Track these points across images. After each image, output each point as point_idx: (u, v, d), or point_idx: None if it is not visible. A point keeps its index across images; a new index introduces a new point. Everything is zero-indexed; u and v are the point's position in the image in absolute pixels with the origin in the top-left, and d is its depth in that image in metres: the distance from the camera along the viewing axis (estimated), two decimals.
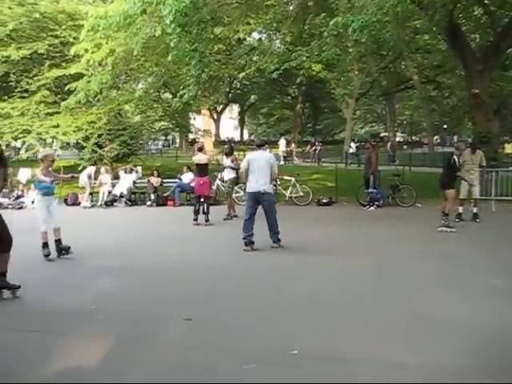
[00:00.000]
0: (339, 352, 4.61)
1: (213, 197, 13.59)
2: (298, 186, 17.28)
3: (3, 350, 4.83)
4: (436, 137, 52.97)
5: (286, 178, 17.81)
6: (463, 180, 12.34)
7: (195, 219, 12.96)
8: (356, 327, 5.26)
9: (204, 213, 13.01)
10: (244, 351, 4.66)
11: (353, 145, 36.57)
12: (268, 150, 9.77)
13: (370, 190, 15.82)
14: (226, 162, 14.45)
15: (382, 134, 60.16)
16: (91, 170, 19.01)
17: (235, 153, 15.88)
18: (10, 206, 17.75)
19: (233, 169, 14.19)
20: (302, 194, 17.10)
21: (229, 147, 15.02)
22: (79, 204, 18.47)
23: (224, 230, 12.34)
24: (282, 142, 37.19)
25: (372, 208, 15.55)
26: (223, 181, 13.63)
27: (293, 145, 38.70)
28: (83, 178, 18.78)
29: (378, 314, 5.68)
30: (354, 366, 4.30)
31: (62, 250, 9.15)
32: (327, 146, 45.47)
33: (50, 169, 9.22)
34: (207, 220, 12.91)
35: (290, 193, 17.15)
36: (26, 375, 4.20)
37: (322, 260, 8.52)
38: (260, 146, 9.94)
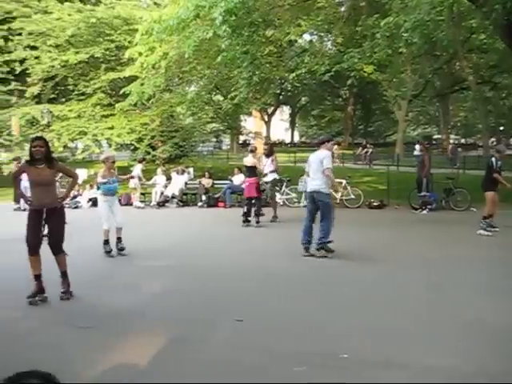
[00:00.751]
0: (389, 357, 4.53)
1: (263, 198, 13.55)
2: (349, 188, 17.11)
3: (60, 344, 4.96)
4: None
5: (337, 180, 17.62)
6: (502, 183, 11.64)
7: (245, 221, 13.00)
8: (406, 332, 5.16)
9: (255, 214, 13.03)
10: (295, 353, 4.63)
11: (417, 147, 35.75)
12: (335, 147, 9.38)
13: (423, 194, 15.50)
14: (266, 163, 14.00)
15: (434, 136, 58.96)
16: (139, 168, 19.14)
17: (285, 154, 15.79)
18: (66, 206, 18.24)
19: (272, 171, 13.94)
20: (353, 196, 16.93)
21: (268, 148, 14.47)
22: (131, 204, 18.84)
23: (274, 231, 12.34)
24: None
25: (424, 212, 15.24)
26: (265, 182, 13.51)
27: (335, 147, 38.27)
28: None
29: (429, 319, 5.55)
30: (404, 372, 4.22)
31: (121, 249, 9.52)
32: (378, 149, 44.86)
33: (111, 170, 9.65)
34: (258, 222, 12.93)
35: (341, 195, 16.99)
36: (80, 370, 4.29)
37: (371, 264, 8.39)
38: (320, 145, 9.40)
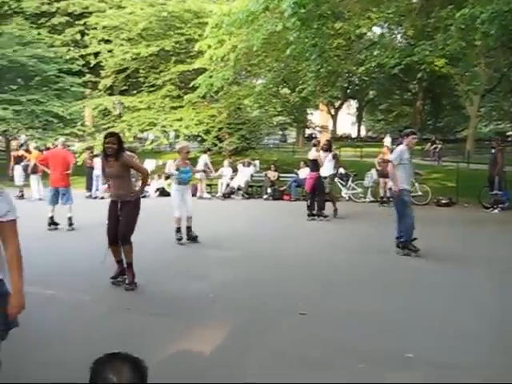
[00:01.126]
0: (454, 358, 4.39)
1: (327, 193, 13.39)
2: (416, 184, 16.70)
3: (129, 331, 5.09)
4: None
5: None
6: None
7: (309, 214, 12.95)
8: (472, 334, 4.99)
9: (318, 208, 12.94)
10: (360, 350, 4.57)
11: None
12: (406, 142, 8.78)
13: (495, 192, 14.93)
14: (324, 157, 13.59)
15: (508, 133, 56.70)
16: (205, 159, 19.22)
17: (351, 149, 15.54)
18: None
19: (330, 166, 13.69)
20: (420, 193, 16.50)
21: (327, 142, 14.23)
22: (197, 195, 19.08)
23: (337, 226, 12.22)
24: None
25: (496, 211, 14.68)
26: (324, 177, 13.23)
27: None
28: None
29: (498, 322, 5.35)
30: (467, 372, 4.08)
31: (191, 238, 9.84)
32: (448, 145, 43.56)
33: (186, 160, 9.89)
34: (320, 216, 12.82)
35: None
36: (147, 357, 4.39)
37: (440, 264, 8.15)
38: (402, 137, 9.09)
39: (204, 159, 19.07)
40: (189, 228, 9.83)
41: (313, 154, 13.00)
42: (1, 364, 3.06)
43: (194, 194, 18.93)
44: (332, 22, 16.00)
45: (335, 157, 14.20)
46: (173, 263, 8.09)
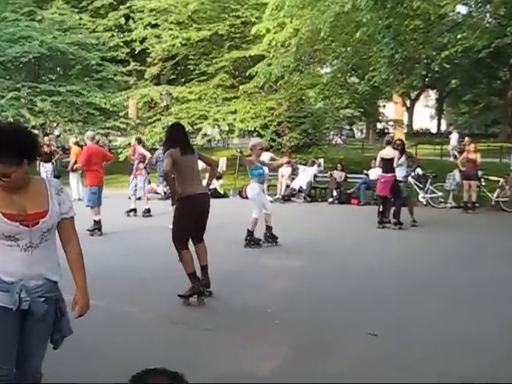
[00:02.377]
0: None
1: (403, 197, 13.20)
2: (507, 188, 16.29)
3: (180, 345, 5.25)
4: None
5: (492, 178, 16.88)
6: None
7: (380, 221, 12.84)
8: None
9: (394, 215, 12.80)
10: (439, 374, 4.54)
11: None
12: None
13: None
14: (398, 158, 13.07)
15: None
16: (268, 157, 19.27)
17: (429, 146, 15.21)
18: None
19: (408, 166, 13.47)
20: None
21: (400, 143, 13.71)
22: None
23: (413, 235, 12.10)
24: (454, 136, 34.03)
25: None
26: (398, 181, 12.93)
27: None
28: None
29: None
30: None
31: (270, 238, 10.44)
32: None
33: (260, 158, 10.50)
34: (397, 223, 12.69)
35: (497, 196, 16.23)
36: (196, 374, 4.52)
37: None
38: None
39: (266, 157, 19.14)
40: (269, 228, 10.49)
41: (387, 152, 12.84)
42: (42, 375, 3.26)
43: (247, 197, 19.17)
44: (409, 1, 15.84)
45: (410, 157, 13.87)
46: (231, 273, 8.21)
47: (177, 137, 7.03)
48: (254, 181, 10.40)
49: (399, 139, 14.97)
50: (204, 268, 7.03)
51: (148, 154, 15.37)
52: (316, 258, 9.47)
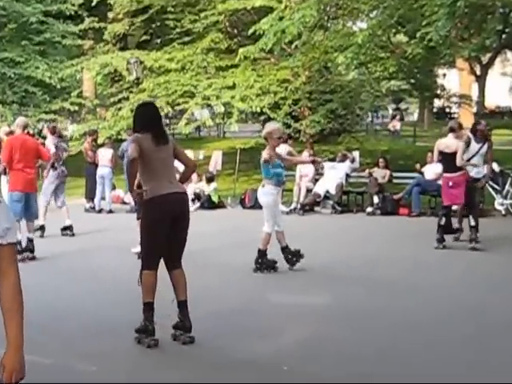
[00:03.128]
0: None
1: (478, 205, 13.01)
2: None
3: None
4: None
5: None
6: None
7: (440, 240, 12.82)
8: None
9: (471, 228, 12.63)
10: None
11: None
12: None
13: None
14: (475, 150, 12.93)
15: None
16: (285, 150, 19.08)
17: (508, 131, 14.99)
18: None
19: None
20: None
21: (484, 129, 13.41)
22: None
23: (488, 259, 12.04)
24: None
25: None
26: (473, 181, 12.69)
27: None
28: None
29: None
30: None
31: (294, 257, 10.60)
32: None
33: (277, 150, 10.70)
34: (473, 240, 12.59)
35: None
36: None
37: None
38: None
39: (283, 150, 18.97)
40: (286, 248, 10.64)
41: (451, 142, 12.65)
42: None
43: (255, 205, 18.98)
44: None
45: (490, 147, 13.47)
46: (228, 313, 8.17)
47: (148, 120, 7.16)
48: (270, 183, 10.49)
49: (478, 122, 14.16)
50: (182, 304, 7.03)
51: (52, 148, 14.95)
52: (352, 290, 9.45)
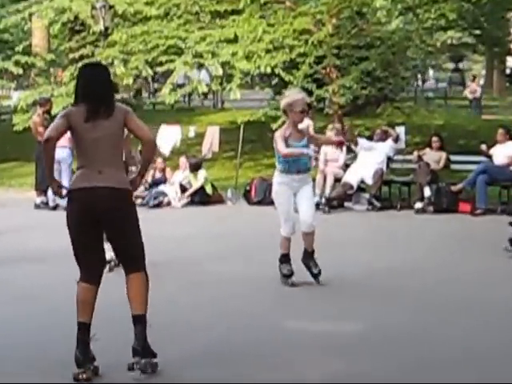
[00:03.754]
0: None
1: None
2: None
3: None
4: None
5: None
6: None
7: None
8: None
9: None
10: None
11: None
12: None
13: None
14: None
15: None
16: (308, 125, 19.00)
17: None
18: (140, 201, 18.43)
19: None
20: None
21: None
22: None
23: None
24: None
25: None
26: None
27: None
28: None
29: None
30: None
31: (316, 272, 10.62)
32: None
33: (300, 127, 10.62)
34: None
35: None
36: None
37: None
38: None
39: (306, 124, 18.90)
40: (309, 254, 10.69)
41: None
42: None
43: (260, 201, 18.95)
44: None
45: None
46: (222, 344, 8.15)
47: (83, 86, 7.12)
48: (279, 168, 10.51)
49: None
50: (137, 320, 7.06)
51: None
52: (394, 312, 9.42)
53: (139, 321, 6.99)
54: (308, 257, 10.59)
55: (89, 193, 6.87)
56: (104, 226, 7.02)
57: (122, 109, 7.22)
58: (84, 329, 6.88)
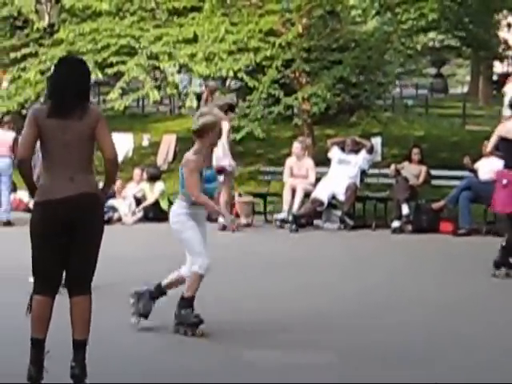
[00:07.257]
0: None
1: None
2: None
3: None
4: None
5: None
6: None
7: (498, 265, 13.04)
8: None
9: None
10: None
11: None
12: None
13: None
14: None
15: None
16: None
17: None
18: None
19: None
20: None
21: None
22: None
23: None
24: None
25: None
26: None
27: None
28: None
29: None
30: None
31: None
32: None
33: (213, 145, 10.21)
34: None
35: None
36: None
37: None
38: None
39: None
40: (183, 303, 9.83)
41: None
42: None
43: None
44: None
45: None
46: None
47: (54, 82, 7.15)
48: (185, 199, 10.18)
49: None
50: (79, 345, 7.08)
51: None
52: (362, 352, 9.28)
53: (82, 345, 7.04)
54: (188, 306, 9.77)
55: (60, 203, 6.87)
56: (71, 234, 7.00)
57: (97, 113, 7.22)
58: (38, 346, 6.91)
